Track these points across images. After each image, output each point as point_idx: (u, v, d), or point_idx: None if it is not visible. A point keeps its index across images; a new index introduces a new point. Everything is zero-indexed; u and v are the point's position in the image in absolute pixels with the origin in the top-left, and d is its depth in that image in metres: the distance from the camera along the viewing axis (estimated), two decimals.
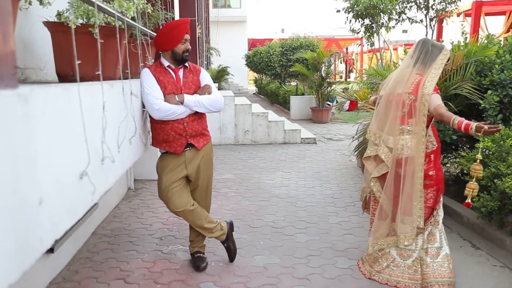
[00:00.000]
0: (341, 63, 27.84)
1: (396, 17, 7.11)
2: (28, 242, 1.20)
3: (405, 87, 2.86)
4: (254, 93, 22.85)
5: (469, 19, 10.56)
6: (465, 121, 2.63)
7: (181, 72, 2.97)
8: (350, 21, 7.37)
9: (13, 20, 1.27)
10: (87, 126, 1.57)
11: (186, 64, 2.99)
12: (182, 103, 2.85)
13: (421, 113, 2.79)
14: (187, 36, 2.91)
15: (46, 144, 1.30)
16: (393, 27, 7.35)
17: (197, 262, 3.22)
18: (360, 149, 5.31)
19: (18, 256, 1.12)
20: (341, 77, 24.03)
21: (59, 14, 2.16)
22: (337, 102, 10.51)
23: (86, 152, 1.55)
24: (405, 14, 7.13)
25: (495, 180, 3.24)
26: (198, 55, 8.50)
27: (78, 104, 1.49)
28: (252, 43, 24.63)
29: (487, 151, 3.41)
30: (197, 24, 8.39)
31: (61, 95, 1.43)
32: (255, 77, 22.39)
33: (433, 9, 7.15)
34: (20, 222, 1.14)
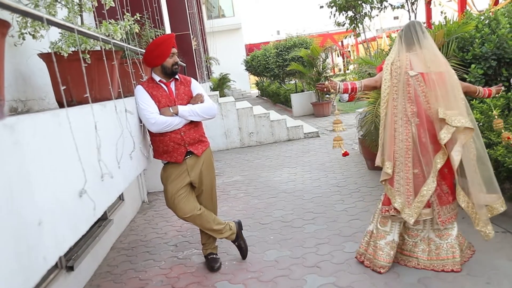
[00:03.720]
0: (338, 56, 27.93)
1: (378, 5, 7.23)
2: (32, 261, 1.27)
3: (442, 66, 2.85)
4: (257, 96, 23.09)
5: None
6: (487, 88, 3.10)
7: (172, 85, 3.12)
8: (334, 15, 7.51)
9: (0, 58, 1.38)
10: (82, 147, 1.67)
11: (177, 76, 3.14)
12: (177, 114, 2.99)
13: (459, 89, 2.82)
14: (174, 50, 3.06)
15: (40, 168, 1.39)
16: (377, 15, 7.47)
17: (211, 263, 3.37)
18: (365, 137, 5.37)
19: (22, 276, 1.20)
20: (340, 69, 24.12)
21: (52, 45, 2.32)
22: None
23: (82, 171, 1.65)
24: (386, 1, 7.24)
25: (488, 150, 3.32)
26: (196, 67, 8.64)
27: (68, 127, 1.59)
28: (250, 48, 24.89)
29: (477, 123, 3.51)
30: (192, 37, 8.55)
31: (50, 120, 1.54)
32: (256, 80, 22.61)
33: None
34: (21, 243, 1.22)
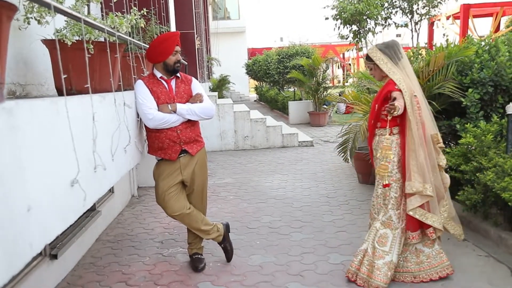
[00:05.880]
0: (338, 68, 28.18)
1: (382, 22, 7.34)
2: (18, 248, 1.27)
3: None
4: (255, 100, 23.13)
5: (458, 21, 10.78)
6: None
7: (173, 83, 3.13)
8: (339, 27, 7.61)
9: (4, 42, 1.38)
10: (78, 137, 1.67)
11: (178, 74, 3.15)
12: (175, 111, 3.00)
13: None
14: (178, 48, 3.07)
15: (34, 154, 1.39)
16: (380, 31, 7.59)
17: (195, 263, 3.37)
18: (343, 147, 5.57)
19: (6, 261, 1.20)
20: (339, 81, 24.31)
21: (56, 32, 2.32)
22: (332, 105, 10.80)
23: (76, 161, 1.65)
24: (391, 19, 7.35)
25: (478, 174, 3.37)
26: (198, 66, 8.65)
27: (66, 116, 1.60)
28: (252, 52, 25.00)
29: (469, 146, 3.55)
30: (196, 36, 8.57)
31: (47, 108, 1.54)
32: (256, 85, 22.67)
33: (417, 13, 7.38)
34: (9, 229, 1.22)
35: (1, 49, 1.40)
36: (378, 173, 2.90)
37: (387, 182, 2.88)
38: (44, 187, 1.46)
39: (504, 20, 12.13)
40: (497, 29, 10.31)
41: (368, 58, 3.03)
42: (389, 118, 2.75)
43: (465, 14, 9.74)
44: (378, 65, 2.94)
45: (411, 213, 2.86)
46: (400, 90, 2.83)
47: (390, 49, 2.93)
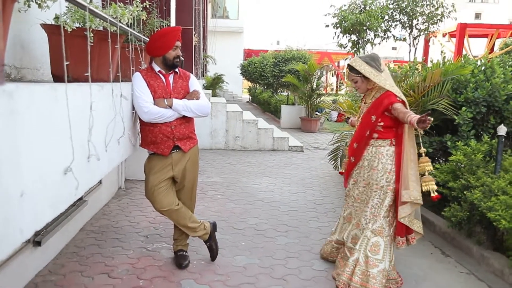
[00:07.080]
0: (332, 76, 28.37)
1: (382, 34, 7.42)
2: (8, 232, 1.26)
3: None
4: (247, 101, 23.11)
5: (454, 39, 10.94)
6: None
7: (171, 78, 3.11)
8: (338, 36, 7.66)
9: (6, 23, 1.37)
10: (74, 125, 1.66)
11: (177, 70, 3.13)
12: (170, 107, 2.98)
13: None
14: (178, 43, 3.05)
15: (30, 139, 1.38)
16: (379, 43, 7.66)
17: (180, 260, 3.35)
18: (334, 155, 5.63)
19: None
20: (332, 89, 24.48)
21: (56, 17, 2.29)
22: (325, 112, 10.91)
23: (71, 149, 1.64)
24: (390, 31, 7.44)
25: (465, 192, 3.42)
26: (194, 63, 8.62)
27: (65, 103, 1.58)
28: (248, 53, 25.03)
29: (459, 164, 3.60)
30: (194, 32, 8.54)
31: (47, 93, 1.53)
32: (249, 86, 22.68)
33: (416, 28, 7.48)
34: (1, 212, 1.21)
35: (4, 31, 1.38)
36: (428, 186, 2.77)
37: (436, 194, 2.78)
38: (38, 173, 1.44)
39: (498, 42, 12.37)
40: (491, 50, 10.49)
41: (353, 70, 2.97)
42: (421, 133, 2.77)
43: (461, 33, 9.90)
44: (371, 78, 2.90)
45: (402, 220, 2.91)
46: (402, 102, 2.84)
47: (376, 62, 2.92)
